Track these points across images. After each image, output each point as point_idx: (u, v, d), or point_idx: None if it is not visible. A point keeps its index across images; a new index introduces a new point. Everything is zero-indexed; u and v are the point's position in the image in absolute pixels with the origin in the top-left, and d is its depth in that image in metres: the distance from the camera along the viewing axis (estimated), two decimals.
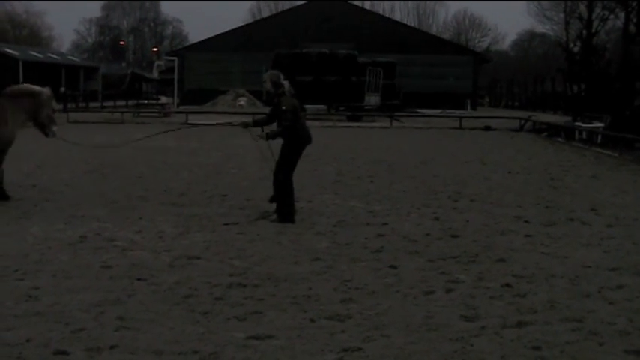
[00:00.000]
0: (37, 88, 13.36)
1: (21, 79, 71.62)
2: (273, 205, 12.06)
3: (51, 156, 21.08)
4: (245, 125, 12.76)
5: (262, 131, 12.14)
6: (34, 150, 21.63)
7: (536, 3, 62.16)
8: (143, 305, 7.28)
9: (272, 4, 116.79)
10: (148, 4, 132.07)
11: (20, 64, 73.29)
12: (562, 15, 54.54)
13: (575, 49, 50.99)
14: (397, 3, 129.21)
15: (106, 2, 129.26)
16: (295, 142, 11.87)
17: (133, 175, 16.60)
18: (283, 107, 11.65)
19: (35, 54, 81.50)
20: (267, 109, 12.70)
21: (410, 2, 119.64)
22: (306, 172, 18.43)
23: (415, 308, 7.33)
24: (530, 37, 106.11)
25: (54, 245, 9.87)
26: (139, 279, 8.25)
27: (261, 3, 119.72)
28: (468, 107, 69.42)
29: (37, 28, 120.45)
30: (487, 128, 40.62)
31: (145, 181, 15.62)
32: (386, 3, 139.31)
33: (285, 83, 11.85)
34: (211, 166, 16.01)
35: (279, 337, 6.42)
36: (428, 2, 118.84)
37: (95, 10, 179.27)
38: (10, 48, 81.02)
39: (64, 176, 16.87)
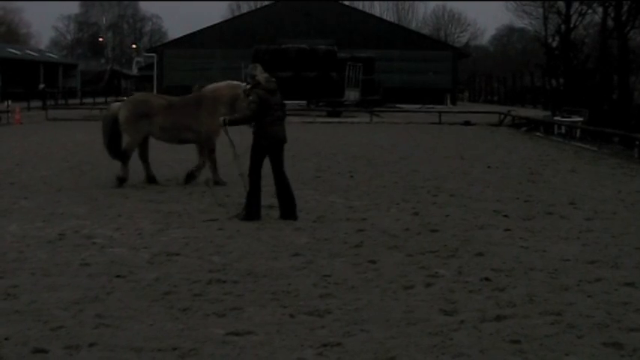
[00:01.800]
0: (235, 83, 15.38)
1: None
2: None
3: (30, 153, 20.98)
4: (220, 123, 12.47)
5: (221, 120, 12.10)
6: (13, 147, 21.53)
7: None
8: (122, 302, 7.26)
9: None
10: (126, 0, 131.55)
11: None
12: (540, 10, 54.54)
13: (554, 44, 51.08)
14: None
15: None
16: (259, 139, 11.60)
17: (112, 172, 16.51)
18: (250, 97, 11.61)
19: (13, 51, 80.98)
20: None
21: None
22: (286, 168, 18.42)
23: (395, 303, 7.35)
24: (509, 32, 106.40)
25: (32, 243, 9.83)
26: (118, 276, 8.24)
27: None
28: (448, 102, 69.47)
29: (15, 24, 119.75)
30: (466, 123, 40.69)
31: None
32: None
33: (263, 77, 11.65)
34: (190, 163, 15.94)
35: (258, 332, 6.42)
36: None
37: (73, 6, 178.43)
38: None
39: (42, 173, 16.79)
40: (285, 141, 11.84)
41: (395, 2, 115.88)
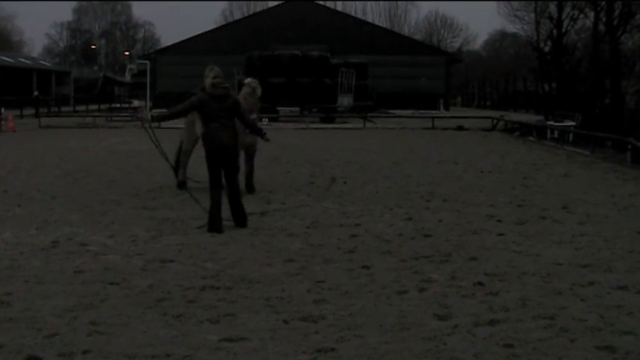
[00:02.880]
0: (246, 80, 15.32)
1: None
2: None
3: (23, 161, 20.97)
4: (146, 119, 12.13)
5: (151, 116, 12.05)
6: (6, 155, 21.51)
7: (506, 3, 62.39)
8: (116, 310, 7.26)
9: (244, 5, 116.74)
10: (119, 6, 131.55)
11: None
12: (533, 15, 54.72)
13: (546, 49, 51.28)
14: (369, 4, 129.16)
15: (78, 4, 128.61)
16: (204, 145, 11.41)
17: (105, 179, 16.53)
18: (186, 101, 11.56)
19: (6, 59, 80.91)
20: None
21: (382, 3, 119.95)
22: (279, 174, 18.48)
23: (388, 308, 7.35)
24: (502, 36, 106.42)
25: (26, 251, 9.81)
26: (111, 283, 8.22)
27: (234, 5, 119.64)
28: (441, 107, 69.71)
29: (7, 32, 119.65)
30: (459, 128, 40.80)
31: (118, 185, 15.58)
32: (358, 4, 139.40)
33: (211, 82, 11.26)
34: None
35: (252, 339, 6.41)
36: (400, 3, 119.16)
37: (66, 14, 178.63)
38: None
39: (36, 181, 16.78)
40: (230, 148, 11.35)
41: (388, 4, 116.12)
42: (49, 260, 9.32)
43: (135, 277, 8.49)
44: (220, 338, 6.41)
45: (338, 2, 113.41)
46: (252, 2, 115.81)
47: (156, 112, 11.88)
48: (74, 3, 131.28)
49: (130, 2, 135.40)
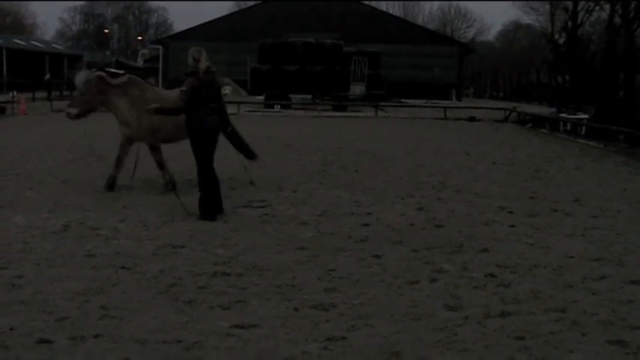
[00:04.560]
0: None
1: (5, 67, 71.37)
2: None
3: (35, 144, 20.99)
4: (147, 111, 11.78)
5: (150, 108, 11.52)
6: (18, 138, 21.54)
7: None
8: (127, 294, 7.27)
9: None
10: None
11: (4, 52, 72.88)
12: (547, 6, 54.51)
13: (561, 41, 51.07)
14: None
15: None
16: (195, 132, 11.11)
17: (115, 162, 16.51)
18: (183, 88, 11.04)
19: (19, 42, 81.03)
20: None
21: None
22: (291, 162, 18.46)
23: (399, 298, 7.34)
24: (516, 28, 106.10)
25: (37, 234, 9.83)
26: (122, 268, 8.24)
27: None
28: (453, 98, 69.54)
29: (21, 15, 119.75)
30: (472, 119, 40.71)
31: (129, 170, 15.55)
32: None
33: (202, 63, 11.06)
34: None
35: (263, 326, 6.42)
36: None
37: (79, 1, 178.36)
38: None
39: (48, 164, 16.80)
40: (219, 131, 11.48)
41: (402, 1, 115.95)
42: (61, 244, 9.34)
43: (146, 262, 8.50)
44: (231, 325, 6.41)
45: None
46: None
47: (157, 105, 11.53)
48: None
49: None
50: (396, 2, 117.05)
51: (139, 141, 13.79)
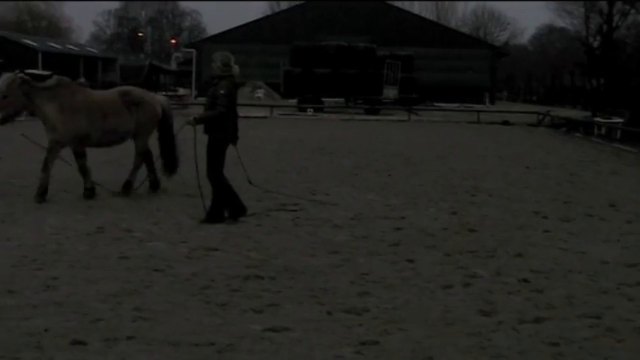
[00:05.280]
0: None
1: (40, 70, 71.94)
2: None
3: None
4: (189, 123, 11.15)
5: (191, 119, 11.06)
6: None
7: None
8: (160, 296, 7.29)
9: None
10: None
11: (39, 55, 73.58)
12: (582, 9, 54.14)
13: (595, 44, 50.73)
14: None
15: None
16: (222, 135, 10.97)
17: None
18: (221, 91, 10.78)
19: (54, 45, 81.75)
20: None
21: None
22: (324, 165, 18.46)
23: (433, 302, 7.31)
24: (549, 31, 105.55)
25: (72, 235, 9.89)
26: (156, 270, 8.27)
27: None
28: (487, 101, 69.25)
29: (56, 19, 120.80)
30: (505, 123, 40.52)
31: (162, 172, 15.60)
32: None
33: (235, 68, 11.04)
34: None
35: (296, 329, 6.41)
36: None
37: (114, 1, 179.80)
38: (29, 39, 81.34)
39: None
40: (236, 141, 11.34)
41: (434, 2, 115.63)
42: (95, 245, 9.39)
43: (179, 265, 8.52)
44: (264, 328, 6.41)
45: None
46: None
47: (199, 115, 11.23)
48: None
49: None
50: (429, 5, 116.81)
51: (65, 146, 12.88)
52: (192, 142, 11.43)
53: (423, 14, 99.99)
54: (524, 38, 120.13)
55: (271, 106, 44.39)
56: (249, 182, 12.25)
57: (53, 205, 12.17)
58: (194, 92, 63.77)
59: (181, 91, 62.41)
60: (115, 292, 7.37)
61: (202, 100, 50.05)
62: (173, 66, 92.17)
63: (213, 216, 11.03)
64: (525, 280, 8.18)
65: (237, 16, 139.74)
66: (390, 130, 33.07)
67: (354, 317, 6.79)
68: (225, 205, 11.15)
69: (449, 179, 16.47)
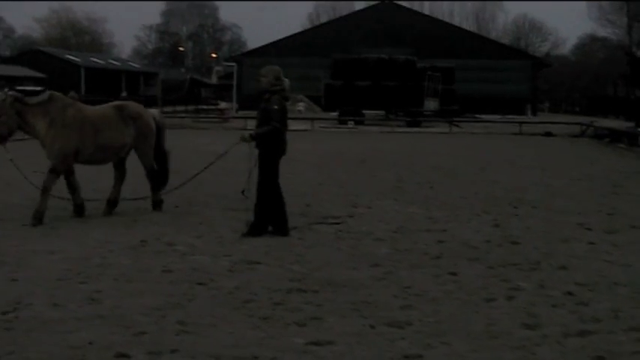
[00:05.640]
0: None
1: (83, 85, 72.83)
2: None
3: None
4: (244, 139, 11.13)
5: (247, 135, 11.09)
6: None
7: (597, 6, 61.43)
8: (203, 310, 7.31)
9: (330, 8, 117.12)
10: (207, 10, 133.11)
11: (82, 70, 74.54)
12: (625, 18, 53.74)
13: (639, 54, 50.28)
14: (456, 7, 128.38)
15: (167, 8, 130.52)
16: (277, 148, 10.97)
17: (193, 179, 16.67)
18: (275, 107, 10.82)
19: (96, 60, 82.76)
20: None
21: (469, 5, 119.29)
22: (365, 178, 18.44)
23: (476, 316, 7.26)
24: (591, 41, 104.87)
25: (115, 249, 9.96)
26: (199, 283, 8.30)
27: (320, 8, 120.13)
28: (528, 112, 68.84)
29: (98, 34, 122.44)
30: (547, 134, 40.26)
31: (206, 186, 15.69)
32: (445, 7, 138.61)
33: (286, 82, 11.10)
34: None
35: (339, 343, 6.39)
36: (487, 5, 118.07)
37: (155, 16, 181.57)
38: (72, 54, 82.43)
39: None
40: (285, 153, 11.31)
41: (475, 7, 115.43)
42: (138, 259, 9.45)
43: (222, 278, 8.54)
44: (307, 341, 6.40)
45: (425, 4, 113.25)
46: (337, 5, 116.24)
47: (254, 130, 11.11)
48: (163, 6, 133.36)
49: (217, 4, 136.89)
50: (470, 16, 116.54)
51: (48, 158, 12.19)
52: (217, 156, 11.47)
53: (463, 25, 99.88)
54: (566, 48, 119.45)
55: (312, 119, 44.49)
56: (242, 193, 12.07)
57: (96, 218, 12.29)
58: (235, 106, 64.05)
59: (222, 104, 62.70)
60: (158, 305, 7.41)
61: (243, 113, 50.34)
62: (214, 80, 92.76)
63: (256, 229, 11.04)
64: (570, 293, 8.09)
65: (277, 29, 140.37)
66: (431, 143, 33.00)
67: (397, 331, 6.76)
68: (270, 220, 11.13)
69: (491, 191, 16.38)
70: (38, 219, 11.77)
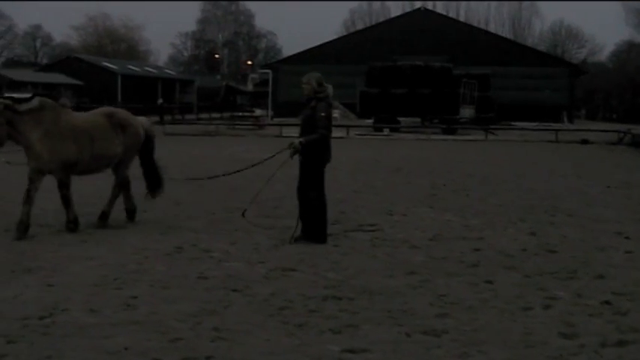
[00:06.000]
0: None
1: (119, 92, 73.39)
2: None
3: None
4: (295, 151, 11.04)
5: (297, 143, 10.95)
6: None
7: (635, 12, 60.98)
8: (239, 316, 7.32)
9: (366, 16, 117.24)
10: (242, 17, 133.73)
11: (119, 77, 75.19)
12: None
13: None
14: (492, 11, 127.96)
15: (202, 15, 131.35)
16: (323, 155, 11.08)
17: (228, 186, 16.73)
18: (322, 114, 10.87)
19: (133, 67, 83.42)
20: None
21: (505, 12, 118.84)
22: (401, 185, 18.40)
23: (512, 324, 7.21)
24: (629, 47, 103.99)
25: (151, 255, 10.02)
26: (234, 290, 8.31)
27: (355, 15, 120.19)
28: (565, 120, 68.38)
29: (135, 42, 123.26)
30: (584, 141, 39.96)
31: (241, 193, 15.71)
32: (481, 14, 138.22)
33: (329, 88, 11.23)
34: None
35: (374, 351, 6.38)
36: (524, 13, 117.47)
37: (191, 24, 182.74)
38: (109, 62, 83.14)
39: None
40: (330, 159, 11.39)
41: (511, 17, 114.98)
42: (173, 265, 9.49)
43: (257, 285, 8.55)
44: (342, 349, 6.39)
45: (461, 11, 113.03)
46: (374, 12, 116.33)
47: (304, 138, 11.01)
48: (199, 14, 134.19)
49: (252, 11, 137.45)
50: (506, 23, 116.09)
51: (50, 174, 11.69)
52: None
53: (499, 32, 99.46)
54: (603, 55, 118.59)
55: (347, 127, 44.48)
56: (243, 215, 12.03)
57: (133, 225, 12.35)
58: (270, 113, 64.22)
59: (258, 111, 62.96)
60: (194, 311, 7.43)
61: (279, 120, 50.47)
62: (249, 87, 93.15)
63: (314, 234, 11.08)
64: (607, 303, 8.01)
65: (312, 37, 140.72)
66: (467, 150, 32.88)
67: (433, 339, 6.73)
68: (316, 225, 11.14)
69: (527, 199, 16.27)
70: (71, 229, 11.76)
